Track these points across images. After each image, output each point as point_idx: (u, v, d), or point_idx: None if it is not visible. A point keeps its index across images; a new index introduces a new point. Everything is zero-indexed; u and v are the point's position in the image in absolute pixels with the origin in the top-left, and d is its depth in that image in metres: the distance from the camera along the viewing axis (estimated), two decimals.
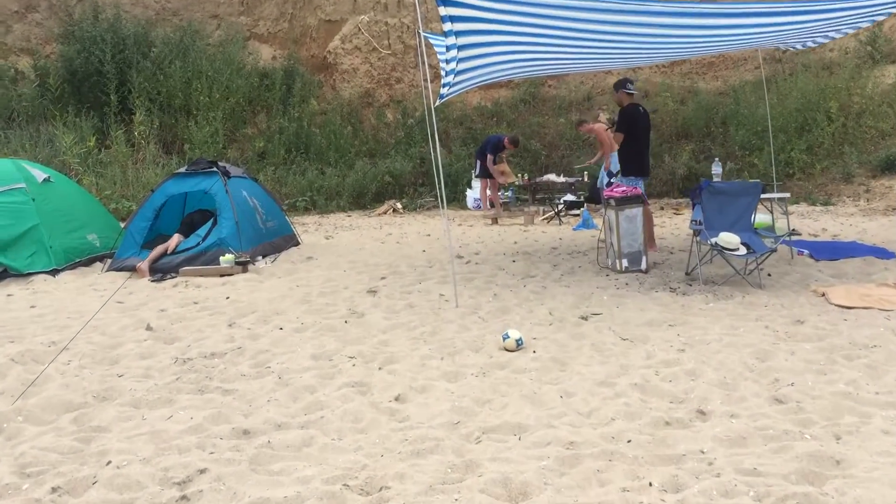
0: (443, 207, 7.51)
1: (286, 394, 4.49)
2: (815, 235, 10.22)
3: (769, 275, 7.45)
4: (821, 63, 17.28)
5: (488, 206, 14.36)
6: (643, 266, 7.89)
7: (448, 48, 7.75)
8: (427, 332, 5.86)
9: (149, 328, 6.12)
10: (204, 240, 9.11)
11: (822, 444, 3.51)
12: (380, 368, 4.96)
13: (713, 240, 7.04)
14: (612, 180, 13.59)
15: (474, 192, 16.13)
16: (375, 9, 20.10)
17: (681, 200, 15.52)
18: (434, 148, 7.00)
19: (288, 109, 18.37)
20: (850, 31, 8.73)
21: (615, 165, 13.80)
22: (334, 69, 20.06)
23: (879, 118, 15.28)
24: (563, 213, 13.49)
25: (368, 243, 11.00)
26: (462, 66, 8.17)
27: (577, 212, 13.47)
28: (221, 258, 8.73)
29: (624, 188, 8.06)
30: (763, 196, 7.98)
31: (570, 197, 14.42)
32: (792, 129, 15.50)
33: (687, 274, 7.58)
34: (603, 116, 14.15)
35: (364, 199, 16.45)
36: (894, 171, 14.49)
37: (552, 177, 15.82)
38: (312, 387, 4.61)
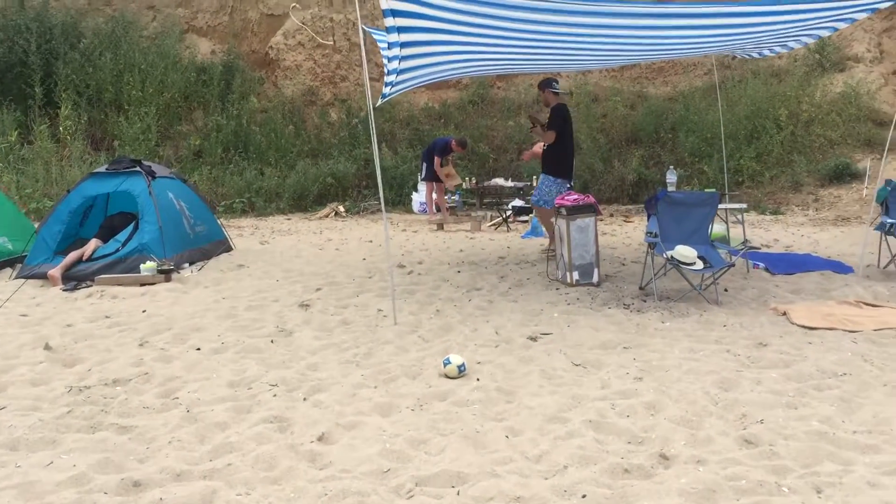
0: (384, 213, 6.96)
1: (193, 432, 3.90)
2: (768, 246, 9.94)
3: (726, 290, 7.08)
4: (770, 70, 17.20)
5: (434, 211, 13.84)
6: (595, 279, 7.46)
7: (390, 45, 7.21)
8: (361, 354, 5.31)
9: (47, 348, 5.45)
10: (124, 245, 8.42)
11: (804, 500, 3.07)
12: (304, 399, 4.40)
13: (669, 253, 6.64)
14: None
15: (420, 196, 15.61)
16: (320, 4, 19.43)
17: (630, 207, 15.23)
18: (374, 150, 6.44)
19: (227, 106, 17.59)
20: (809, 41, 8.46)
21: None
22: (276, 65, 19.34)
23: (828, 127, 15.20)
24: (510, 220, 13.05)
25: (306, 250, 10.39)
26: (405, 64, 7.64)
27: (525, 218, 13.05)
28: (142, 266, 8.05)
29: (576, 196, 7.62)
30: (719, 206, 7.62)
31: (518, 202, 13.99)
32: (741, 136, 15.35)
33: (641, 288, 7.17)
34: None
35: (305, 202, 15.80)
36: (842, 180, 14.41)
37: (500, 181, 15.38)
38: (224, 423, 4.02)
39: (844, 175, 14.40)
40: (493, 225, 12.64)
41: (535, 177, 14.87)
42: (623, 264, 8.67)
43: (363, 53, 7.04)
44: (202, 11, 20.17)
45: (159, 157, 16.01)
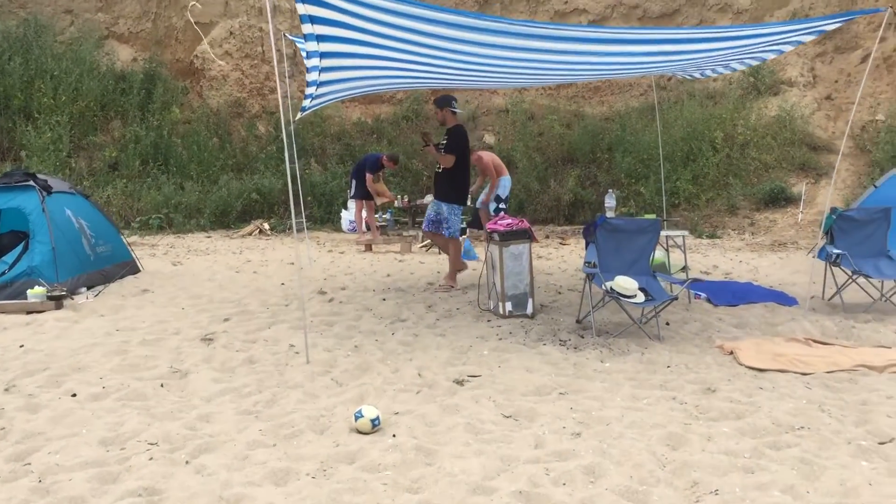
0: (296, 235, 6.31)
1: None
2: (708, 273, 9.59)
3: (667, 323, 6.63)
4: (705, 92, 17.10)
5: (364, 230, 13.18)
6: (529, 310, 6.93)
7: (309, 55, 6.61)
8: (263, 401, 4.64)
9: None
10: (11, 268, 7.58)
11: None
12: (187, 462, 3.72)
13: (608, 284, 6.15)
14: (500, 206, 12.76)
15: (349, 214, 14.95)
16: (249, 13, 18.67)
17: (567, 228, 14.86)
18: (287, 166, 5.79)
19: (147, 117, 16.66)
20: (753, 62, 8.16)
21: (504, 190, 12.93)
22: (202, 75, 18.46)
23: (763, 150, 15.11)
24: None
25: (221, 272, 9.63)
26: (326, 76, 7.04)
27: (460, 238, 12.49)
28: (29, 291, 7.23)
29: (510, 220, 7.09)
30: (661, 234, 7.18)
31: None
32: (678, 157, 15.13)
33: (578, 322, 6.66)
34: (488, 137, 13.29)
35: (228, 219, 14.98)
36: (777, 204, 14.29)
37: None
38: (80, 498, 3.32)
39: (779, 199, 14.28)
40: (424, 246, 12.05)
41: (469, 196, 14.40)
42: (559, 293, 8.18)
43: (273, 61, 6.39)
44: (123, 17, 19.16)
45: (71, 168, 15.00)
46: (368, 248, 11.95)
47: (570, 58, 6.88)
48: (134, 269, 9.30)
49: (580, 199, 15.56)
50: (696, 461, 3.69)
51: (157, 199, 14.61)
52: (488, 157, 12.47)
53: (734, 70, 8.73)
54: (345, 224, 14.96)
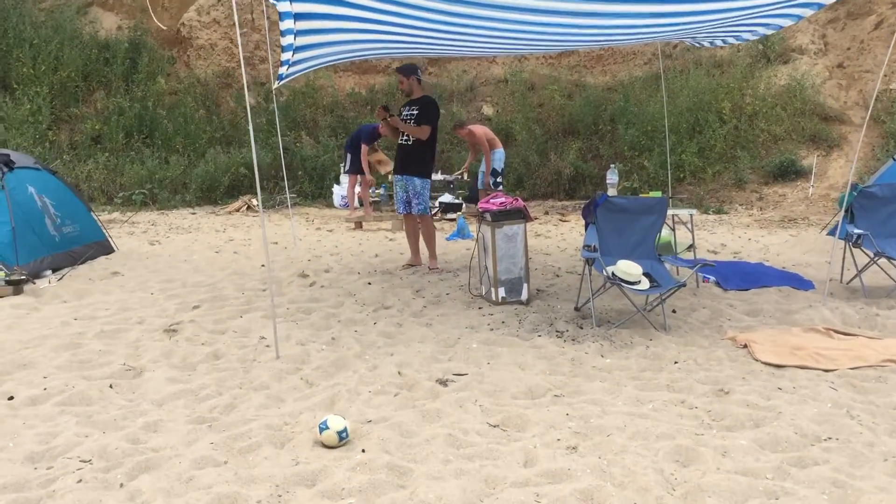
0: (263, 214, 5.77)
1: None
2: (716, 253, 9.05)
3: (674, 311, 6.09)
4: (712, 61, 16.41)
5: (356, 206, 12.64)
6: (524, 296, 6.40)
7: (282, 16, 6.00)
8: (221, 406, 4.13)
9: None
10: None
11: None
12: (121, 486, 3.21)
13: (610, 269, 5.60)
14: (497, 180, 12.20)
15: (342, 189, 14.39)
16: None
17: (567, 203, 14.30)
18: (251, 142, 5.22)
19: (131, 87, 16.04)
20: (767, 31, 7.54)
21: (499, 163, 12.37)
22: (189, 44, 17.80)
23: (772, 121, 14.47)
24: (437, 217, 11.95)
25: (200, 252, 9.10)
26: (302, 40, 6.44)
27: (453, 216, 11.96)
28: None
29: (503, 199, 6.54)
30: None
31: (447, 198, 12.90)
32: (683, 129, 14.50)
33: (577, 309, 6.13)
34: (487, 108, 12.69)
35: (215, 194, 14.42)
36: (787, 177, 13.69)
37: None
38: None
39: (789, 172, 13.69)
40: None
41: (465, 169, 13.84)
42: (557, 275, 7.64)
43: (239, 29, 5.79)
44: None
45: (50, 141, 14.42)
46: (358, 225, 11.41)
47: (572, 20, 6.29)
48: (107, 250, 8.78)
49: (581, 172, 14.97)
50: (711, 484, 3.17)
51: (141, 174, 14.06)
52: (480, 130, 11.92)
53: (745, 40, 8.11)
54: (336, 199, 14.42)
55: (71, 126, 15.41)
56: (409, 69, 7.65)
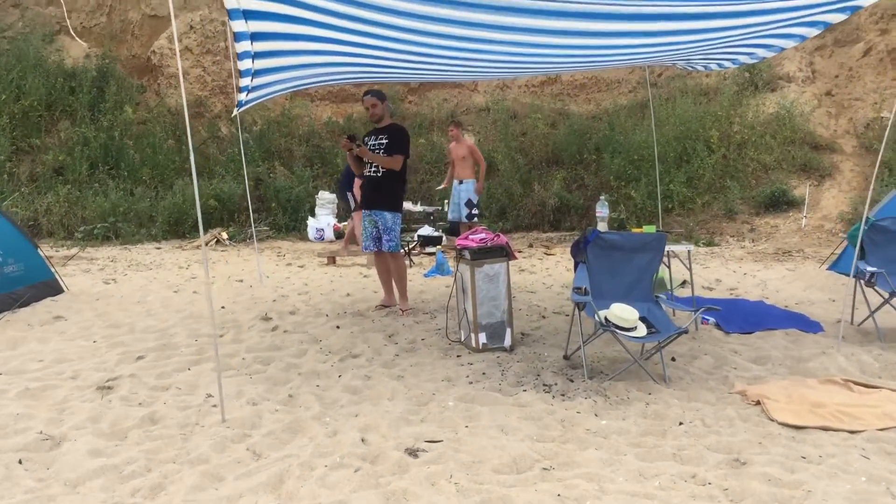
0: (203, 247, 5.15)
1: None
2: (710, 289, 8.49)
3: (673, 359, 5.48)
4: (698, 89, 16.01)
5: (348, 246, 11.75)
6: (507, 342, 5.78)
7: (238, 36, 5.44)
8: (146, 488, 3.46)
9: None
10: None
11: None
12: None
13: (603, 314, 5.00)
14: (473, 213, 11.60)
15: (317, 222, 13.78)
16: (211, 5, 17.43)
17: (552, 235, 13.75)
18: (193, 173, 4.60)
19: (97, 117, 15.39)
20: (767, 54, 7.05)
21: (473, 192, 11.65)
22: (159, 72, 17.22)
23: (762, 150, 14.02)
24: (415, 252, 11.34)
25: (157, 292, 8.43)
26: (262, 63, 5.87)
27: (432, 250, 11.35)
28: None
29: (483, 235, 5.94)
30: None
31: (426, 230, 12.30)
32: (671, 158, 14.02)
33: (566, 358, 5.50)
34: (468, 137, 12.12)
35: (183, 227, 13.74)
36: (779, 208, 13.22)
37: (407, 205, 13.67)
38: None
39: (781, 202, 13.21)
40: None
41: (445, 200, 13.25)
42: (543, 317, 7.02)
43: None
44: (77, 11, 17.95)
45: (9, 174, 13.72)
46: (332, 260, 10.75)
47: (561, 40, 5.78)
48: (54, 290, 8.09)
49: (566, 203, 14.44)
50: None
51: (104, 207, 13.36)
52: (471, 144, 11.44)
53: (741, 64, 7.62)
54: (311, 233, 13.79)
55: (32, 157, 14.72)
56: (377, 94, 7.09)
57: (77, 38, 17.21)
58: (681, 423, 4.21)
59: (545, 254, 11.65)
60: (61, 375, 5.22)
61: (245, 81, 6.05)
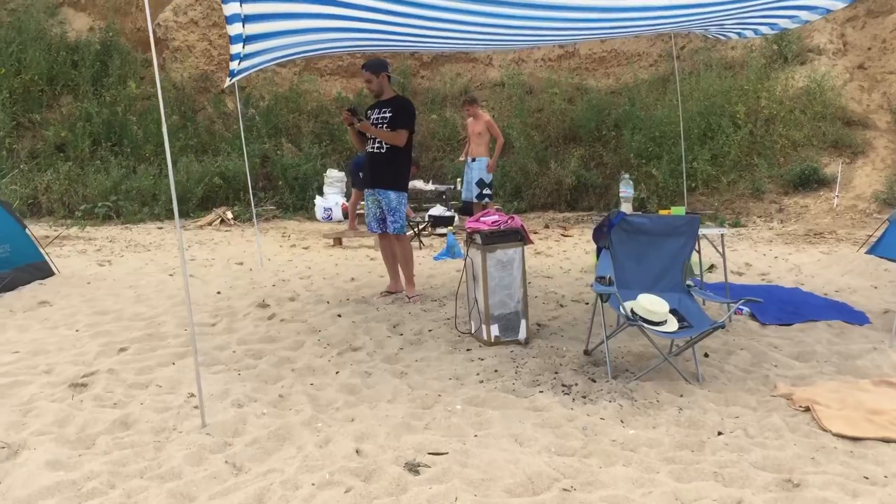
0: (179, 229, 4.68)
1: None
2: (740, 273, 7.94)
3: (706, 355, 4.96)
4: (723, 62, 15.32)
5: (356, 225, 11.29)
6: (521, 335, 5.27)
7: None
8: None
9: None
10: None
11: None
12: None
13: (629, 306, 4.48)
14: (485, 192, 11.05)
15: (325, 201, 13.29)
16: None
17: (569, 215, 13.22)
18: (167, 152, 4.08)
19: (101, 92, 14.92)
20: (791, 25, 6.46)
21: (482, 170, 11.09)
22: (164, 46, 16.70)
23: (791, 126, 13.36)
24: (426, 232, 10.83)
25: (152, 275, 7.98)
26: (253, 27, 5.34)
27: (444, 230, 10.84)
28: None
29: (496, 217, 5.42)
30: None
31: (438, 210, 11.79)
32: (694, 135, 13.39)
33: (587, 353, 4.99)
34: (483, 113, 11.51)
35: (187, 206, 13.29)
36: (809, 187, 12.60)
37: (419, 183, 13.19)
38: None
39: (811, 181, 12.59)
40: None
41: (458, 179, 12.73)
42: (561, 305, 6.50)
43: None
44: None
45: (8, 149, 13.30)
46: (338, 242, 10.26)
47: (570, 13, 5.27)
48: (44, 273, 7.65)
49: (584, 182, 13.90)
50: None
51: (106, 185, 12.91)
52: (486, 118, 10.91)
53: (761, 34, 7.04)
54: (319, 212, 13.32)
55: (33, 133, 14.28)
56: (377, 65, 6.53)
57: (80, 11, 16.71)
58: (720, 433, 3.70)
59: (562, 235, 11.11)
60: (34, 370, 4.77)
61: (236, 48, 5.53)
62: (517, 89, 16.03)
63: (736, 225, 11.75)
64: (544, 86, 16.14)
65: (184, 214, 13.17)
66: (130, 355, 5.06)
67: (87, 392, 4.33)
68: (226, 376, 4.60)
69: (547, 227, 12.07)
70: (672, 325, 4.50)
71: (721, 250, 5.95)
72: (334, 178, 13.73)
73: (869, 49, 14.85)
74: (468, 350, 5.15)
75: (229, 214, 12.79)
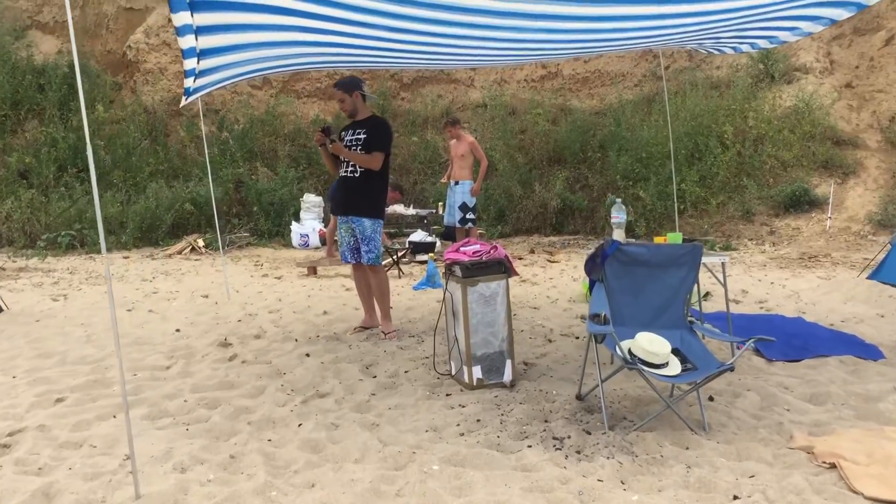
0: (107, 260, 4.26)
1: None
2: (737, 301, 7.49)
3: (711, 398, 4.47)
4: (709, 81, 15.01)
5: (334, 252, 10.80)
6: (507, 378, 4.76)
7: (174, 5, 4.45)
8: None
9: None
10: None
11: None
12: None
13: (626, 346, 3.99)
14: (468, 217, 10.58)
15: (301, 227, 12.78)
16: None
17: (554, 239, 12.76)
18: (92, 176, 3.56)
19: (67, 116, 14.38)
20: (790, 37, 6.06)
21: (469, 195, 10.65)
22: (135, 68, 16.21)
23: (780, 146, 13.02)
24: (405, 260, 10.33)
25: (107, 312, 7.41)
26: (207, 40, 4.87)
27: (424, 257, 10.34)
28: None
29: (478, 247, 4.93)
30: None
31: (418, 235, 11.29)
32: (682, 156, 13.02)
33: (579, 398, 4.48)
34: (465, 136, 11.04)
35: (156, 234, 12.72)
36: (800, 208, 12.22)
37: (399, 208, 12.71)
38: None
39: (802, 202, 12.23)
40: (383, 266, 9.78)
41: (440, 203, 12.27)
42: (549, 339, 6.00)
43: None
44: (49, 4, 16.92)
45: None
46: (312, 271, 9.72)
47: (562, 24, 4.84)
48: None
49: (569, 204, 13.47)
50: None
51: (70, 213, 12.33)
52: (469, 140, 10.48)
53: (758, 48, 6.65)
54: (295, 239, 12.79)
55: None
56: (349, 83, 6.05)
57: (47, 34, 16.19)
58: (736, 498, 3.20)
59: (548, 261, 10.64)
60: None
61: (190, 64, 5.04)
62: (500, 110, 15.64)
63: (727, 248, 11.33)
64: (527, 107, 15.77)
65: (153, 242, 12.61)
66: (68, 406, 4.51)
67: (10, 455, 3.78)
68: (172, 432, 4.05)
69: (532, 251, 11.61)
70: (675, 367, 4.02)
71: (721, 279, 5.48)
72: (311, 204, 13.23)
73: (856, 67, 14.59)
74: (447, 395, 4.63)
75: (200, 242, 12.24)
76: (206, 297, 8.15)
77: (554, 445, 3.79)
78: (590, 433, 3.92)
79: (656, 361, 3.96)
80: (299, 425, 4.16)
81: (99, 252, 11.90)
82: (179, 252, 11.87)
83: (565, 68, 16.71)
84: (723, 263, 5.42)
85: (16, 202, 12.33)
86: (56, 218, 12.27)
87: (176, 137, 15.20)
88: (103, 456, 3.76)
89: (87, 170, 13.07)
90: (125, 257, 11.52)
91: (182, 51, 4.95)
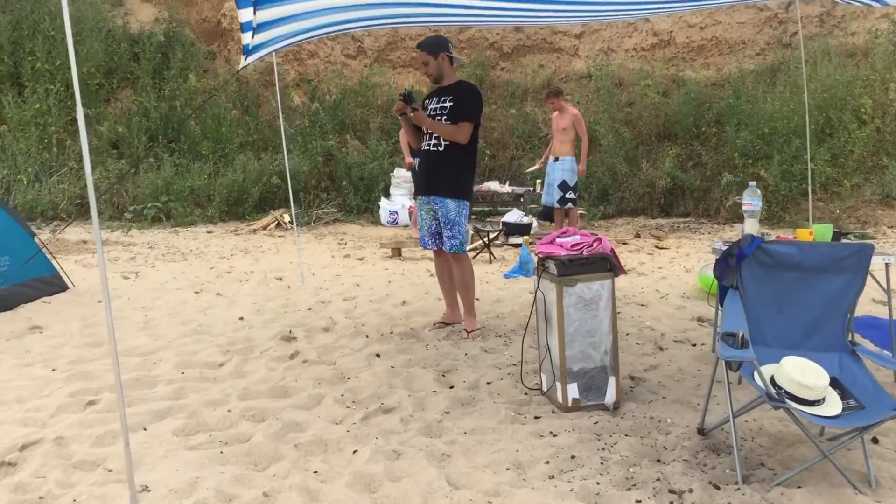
0: (101, 251, 3.82)
1: None
2: (883, 304, 6.33)
3: (874, 440, 3.50)
4: (843, 49, 13.47)
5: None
6: (609, 399, 3.90)
7: None
8: None
9: None
10: None
11: None
12: None
13: (769, 374, 3.07)
14: (568, 196, 9.70)
15: (391, 204, 12.14)
16: None
17: (662, 222, 11.68)
18: (85, 151, 2.87)
19: (161, 86, 14.15)
20: None
21: (570, 172, 9.77)
22: (229, 37, 15.86)
23: None
24: (497, 243, 9.51)
25: (175, 293, 6.93)
26: (266, 10, 4.15)
27: (518, 240, 9.48)
28: None
29: (578, 238, 4.06)
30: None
31: (514, 215, 10.43)
32: (811, 132, 11.62)
33: (700, 432, 3.58)
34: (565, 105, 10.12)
35: (243, 208, 12.33)
36: None
37: (494, 185, 11.94)
38: None
39: None
40: (473, 250, 9.02)
41: (538, 181, 11.41)
42: (661, 347, 5.09)
43: None
44: None
45: (60, 145, 12.61)
46: (397, 253, 9.02)
47: None
48: (55, 288, 6.70)
49: (680, 184, 12.35)
50: None
51: (157, 184, 12.06)
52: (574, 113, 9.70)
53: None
54: (384, 216, 12.16)
55: (87, 128, 13.59)
56: (435, 44, 5.22)
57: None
58: None
59: (656, 247, 9.61)
60: None
61: (245, 15, 4.35)
62: (605, 81, 14.54)
63: (863, 237, 9.99)
64: (636, 78, 14.61)
65: (239, 216, 12.22)
66: (98, 412, 3.93)
67: (11, 477, 3.20)
68: (203, 455, 3.40)
69: (638, 236, 10.59)
70: (833, 404, 3.08)
71: (885, 285, 4.42)
72: (402, 179, 12.56)
73: None
74: (536, 418, 3.82)
75: (287, 217, 11.75)
76: (280, 279, 7.57)
77: (670, 502, 2.93)
78: (718, 487, 3.03)
79: (809, 397, 3.04)
80: (354, 452, 3.44)
81: (185, 225, 11.59)
82: (265, 227, 11.43)
83: (678, 36, 15.43)
84: (886, 264, 4.36)
85: (104, 173, 12.15)
86: (144, 189, 12.02)
87: (268, 108, 14.78)
88: (117, 484, 3.13)
89: (178, 140, 12.80)
90: (209, 231, 11.15)
91: (236, 1, 4.26)
